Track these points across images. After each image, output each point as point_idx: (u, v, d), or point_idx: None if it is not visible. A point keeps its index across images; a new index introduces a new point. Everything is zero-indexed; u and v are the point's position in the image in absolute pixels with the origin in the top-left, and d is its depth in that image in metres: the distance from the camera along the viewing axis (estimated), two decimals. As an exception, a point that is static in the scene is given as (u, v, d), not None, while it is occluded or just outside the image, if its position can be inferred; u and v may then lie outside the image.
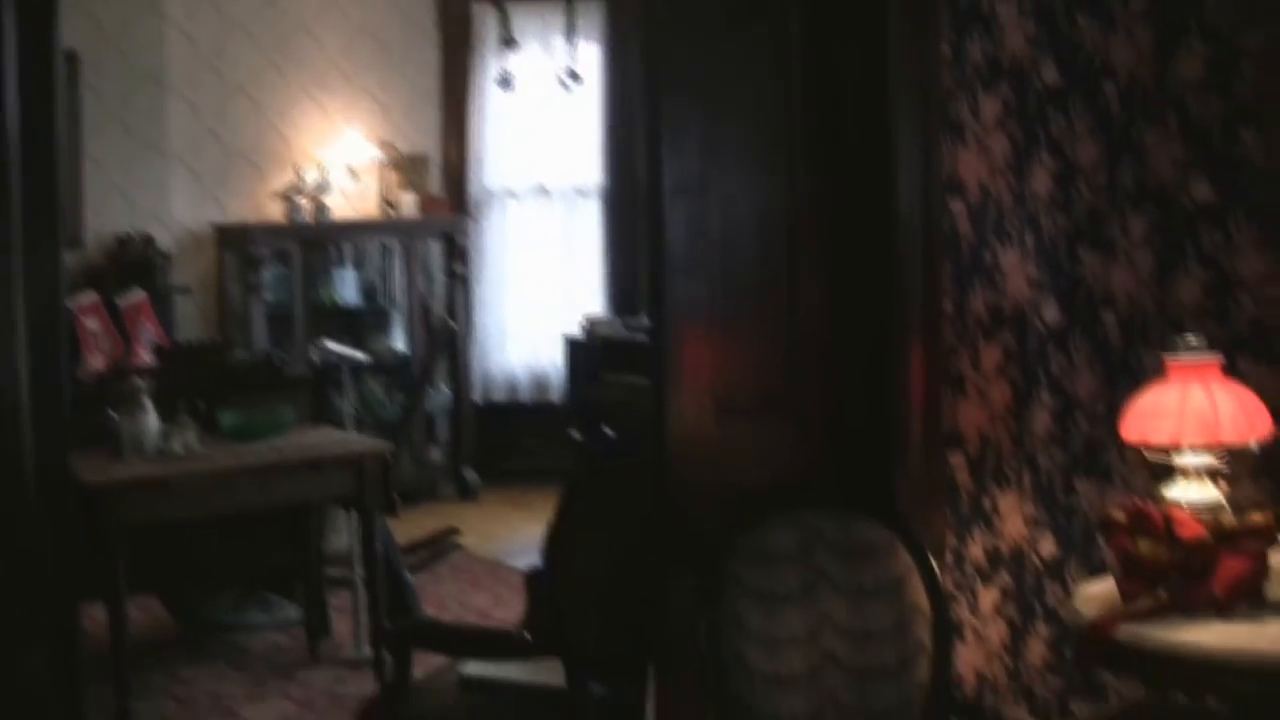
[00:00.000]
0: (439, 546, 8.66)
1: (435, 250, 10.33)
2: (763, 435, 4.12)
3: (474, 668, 4.47)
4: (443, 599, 7.61)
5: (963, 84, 4.37)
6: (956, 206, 4.37)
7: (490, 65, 10.47)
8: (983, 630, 4.56)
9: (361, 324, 10.07)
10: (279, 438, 6.19)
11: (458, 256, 10.32)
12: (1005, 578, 4.62)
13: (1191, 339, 4.02)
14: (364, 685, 6.07)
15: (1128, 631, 3.66)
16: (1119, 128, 4.89)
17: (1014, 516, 4.64)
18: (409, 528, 8.30)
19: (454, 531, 8.92)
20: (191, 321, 9.39)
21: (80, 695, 5.40)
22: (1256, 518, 3.85)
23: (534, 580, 4.77)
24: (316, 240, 9.88)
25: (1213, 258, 4.86)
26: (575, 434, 9.63)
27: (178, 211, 9.63)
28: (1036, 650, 4.78)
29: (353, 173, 10.20)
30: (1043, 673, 4.81)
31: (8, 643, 3.98)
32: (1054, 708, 4.82)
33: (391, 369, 10.04)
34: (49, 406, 3.83)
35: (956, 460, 4.44)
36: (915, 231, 4.20)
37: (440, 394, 10.26)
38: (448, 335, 9.88)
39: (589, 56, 10.47)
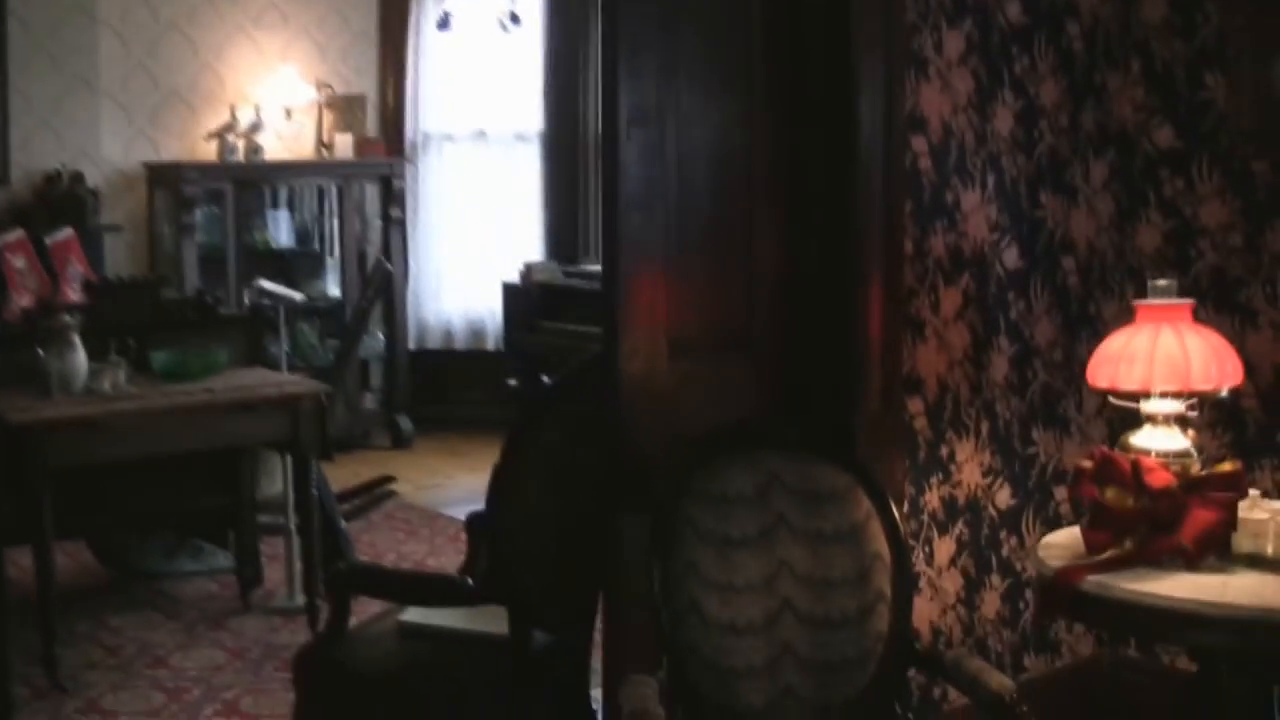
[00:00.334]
0: (373, 494, 8.56)
1: (371, 193, 10.16)
2: (718, 376, 3.98)
3: (413, 615, 4.35)
4: (377, 547, 7.50)
5: (926, 17, 4.25)
6: (919, 144, 4.25)
7: (429, 6, 10.33)
8: (938, 582, 4.46)
9: (295, 267, 9.93)
10: (212, 378, 6.01)
11: (394, 200, 10.15)
12: (961, 528, 4.52)
13: (1162, 282, 3.90)
14: (297, 634, 5.95)
15: (1094, 582, 3.56)
16: (1082, 69, 4.81)
17: (971, 465, 4.55)
18: (343, 475, 8.21)
19: (388, 479, 8.82)
20: (122, 262, 9.20)
21: (5, 641, 5.29)
22: (1225, 467, 3.77)
23: (475, 526, 4.66)
24: (250, 181, 9.71)
25: (1174, 205, 4.80)
26: (512, 382, 9.53)
27: (108, 149, 9.44)
28: (991, 604, 4.70)
29: (288, 113, 10.05)
30: (997, 626, 4.72)
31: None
32: (1007, 662, 4.75)
33: (325, 313, 9.92)
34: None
35: (915, 406, 4.33)
36: (876, 165, 4.06)
37: (375, 340, 10.10)
38: (383, 280, 9.70)
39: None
